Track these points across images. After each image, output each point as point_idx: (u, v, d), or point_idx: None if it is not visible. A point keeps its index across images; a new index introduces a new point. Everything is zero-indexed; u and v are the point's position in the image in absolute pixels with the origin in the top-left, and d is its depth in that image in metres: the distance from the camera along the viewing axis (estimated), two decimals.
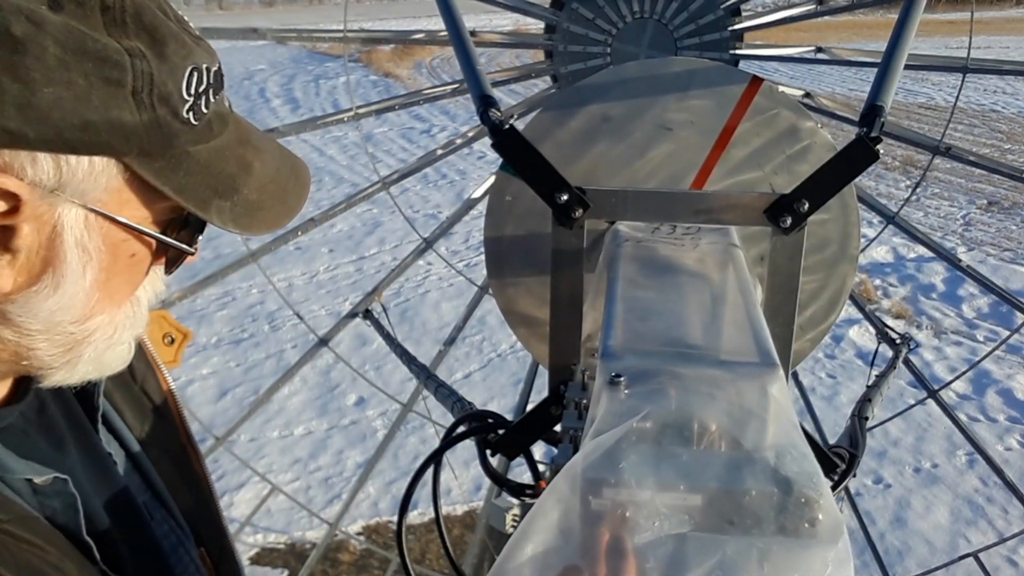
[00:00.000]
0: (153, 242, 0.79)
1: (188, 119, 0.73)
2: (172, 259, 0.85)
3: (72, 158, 0.68)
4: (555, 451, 1.29)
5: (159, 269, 0.85)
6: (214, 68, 0.76)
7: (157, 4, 0.72)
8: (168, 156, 0.73)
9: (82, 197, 0.71)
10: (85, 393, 0.92)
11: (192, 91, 0.72)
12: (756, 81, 1.64)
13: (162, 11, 0.72)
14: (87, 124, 0.66)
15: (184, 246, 0.82)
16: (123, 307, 0.81)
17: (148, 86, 0.69)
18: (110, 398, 0.98)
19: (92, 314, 0.77)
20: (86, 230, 0.73)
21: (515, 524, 1.65)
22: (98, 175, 0.70)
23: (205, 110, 0.74)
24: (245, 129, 0.83)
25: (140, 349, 1.04)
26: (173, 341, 1.19)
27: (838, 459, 1.54)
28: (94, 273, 0.75)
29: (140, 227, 0.76)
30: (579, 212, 1.32)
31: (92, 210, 0.72)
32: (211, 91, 0.75)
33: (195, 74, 0.73)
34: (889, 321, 5.21)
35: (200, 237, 0.84)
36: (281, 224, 0.85)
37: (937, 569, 4.43)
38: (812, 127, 1.64)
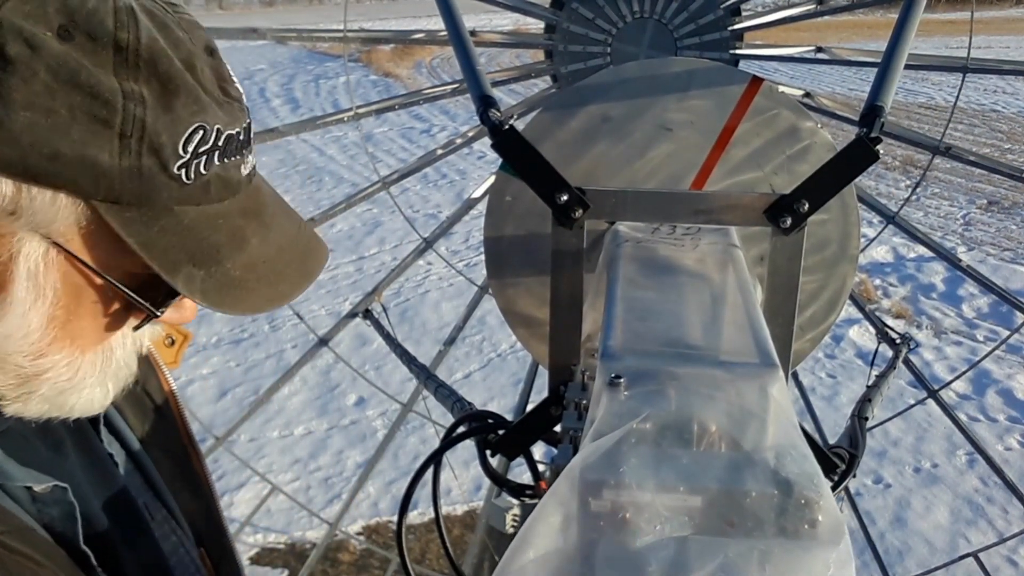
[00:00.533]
0: (120, 294, 0.75)
1: (179, 176, 0.69)
2: (147, 316, 0.79)
3: (34, 187, 0.65)
4: (555, 451, 1.29)
5: (134, 324, 0.80)
6: (230, 131, 0.72)
7: (185, 57, 0.69)
8: (144, 208, 0.69)
9: (44, 227, 0.68)
10: None
11: (192, 149, 0.69)
12: (756, 81, 1.64)
13: (188, 65, 0.69)
14: (57, 155, 0.64)
15: (146, 304, 0.76)
16: (87, 353, 0.77)
17: (139, 132, 0.66)
18: None
19: (47, 352, 0.74)
20: (43, 263, 0.70)
21: (515, 524, 1.65)
22: (61, 209, 0.67)
23: (204, 171, 0.71)
24: (258, 203, 0.78)
25: None
26: (174, 342, 1.18)
27: (838, 459, 1.54)
28: (47, 309, 0.72)
29: (99, 271, 0.72)
30: (579, 212, 1.32)
31: (54, 243, 0.69)
32: (217, 153, 0.72)
33: (200, 132, 0.69)
34: (889, 321, 5.20)
35: (172, 302, 0.78)
36: (262, 310, 0.78)
37: (937, 569, 4.43)
38: (812, 127, 1.64)
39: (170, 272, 0.72)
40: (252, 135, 0.78)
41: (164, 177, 0.69)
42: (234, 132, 0.73)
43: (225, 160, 0.73)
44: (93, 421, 0.92)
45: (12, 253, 0.69)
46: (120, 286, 0.74)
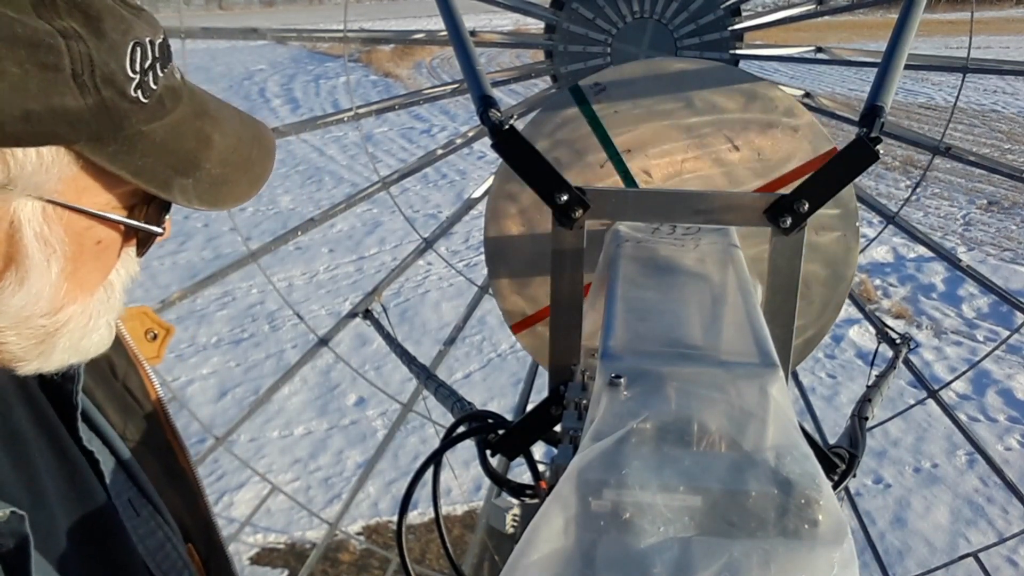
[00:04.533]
0: (120, 226, 0.77)
1: (137, 97, 0.70)
2: (143, 240, 0.83)
3: (19, 151, 0.66)
4: (555, 451, 1.29)
5: (131, 251, 0.83)
6: (158, 40, 0.73)
7: None
8: (121, 139, 0.70)
9: (36, 190, 0.69)
10: (62, 392, 0.90)
11: (137, 68, 0.69)
12: (832, 152, 1.64)
13: None
14: (28, 114, 0.63)
15: (151, 227, 0.79)
16: (96, 294, 0.79)
17: (89, 68, 0.66)
18: (91, 395, 0.97)
19: (63, 305, 0.76)
20: (45, 222, 0.71)
21: (515, 524, 1.65)
22: (49, 166, 0.68)
23: (154, 86, 0.72)
24: (200, 100, 0.79)
25: (121, 346, 1.03)
26: (156, 337, 1.18)
27: (838, 459, 1.54)
28: (59, 265, 0.73)
29: (102, 213, 0.74)
30: (579, 212, 1.32)
31: (49, 201, 0.70)
32: (158, 65, 0.72)
33: (138, 49, 0.69)
34: (889, 321, 5.20)
35: (168, 215, 0.81)
36: (249, 196, 0.82)
37: (937, 569, 4.43)
38: (855, 209, 1.67)
39: (164, 189, 0.74)
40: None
41: (126, 103, 0.69)
42: (159, 40, 0.73)
43: (165, 70, 0.74)
44: (68, 419, 0.91)
45: (14, 222, 0.69)
46: (125, 219, 0.76)
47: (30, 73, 0.63)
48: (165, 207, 0.80)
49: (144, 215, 0.78)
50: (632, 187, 1.65)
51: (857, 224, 1.68)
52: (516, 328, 1.76)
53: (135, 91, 0.69)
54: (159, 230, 0.80)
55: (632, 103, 1.65)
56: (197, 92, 0.80)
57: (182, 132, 0.75)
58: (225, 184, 0.79)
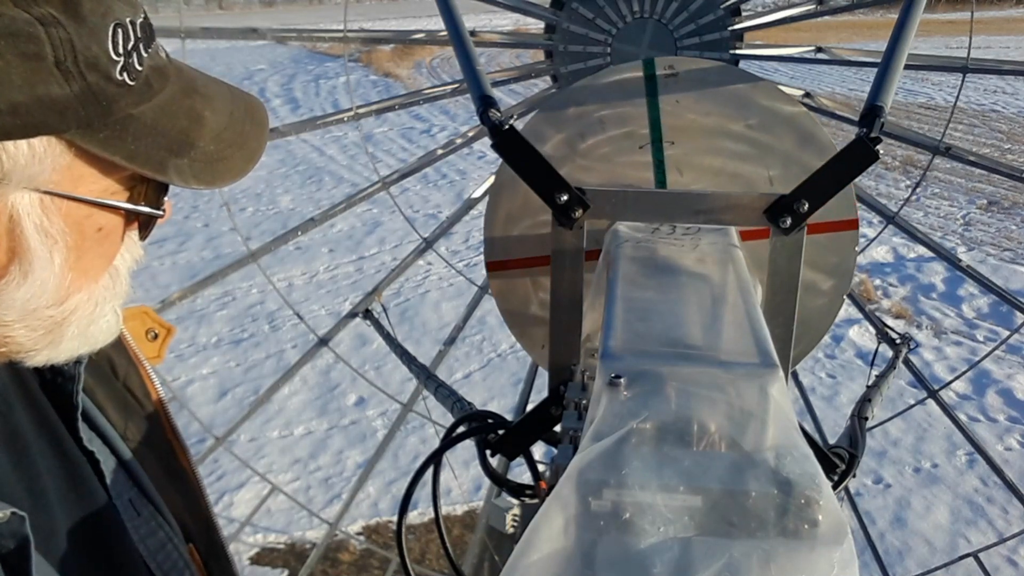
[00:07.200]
0: (120, 211, 0.77)
1: (123, 80, 0.69)
2: (145, 223, 0.82)
3: (10, 145, 0.65)
4: (555, 451, 1.29)
5: (134, 235, 0.83)
6: (139, 20, 0.71)
7: None
8: (111, 123, 0.69)
9: (31, 182, 0.68)
10: (63, 392, 0.90)
11: (121, 50, 0.68)
12: (853, 223, 1.64)
13: None
14: (15, 107, 0.62)
15: (151, 210, 0.79)
16: (101, 280, 0.79)
17: (71, 54, 0.64)
18: (91, 395, 0.96)
19: (69, 294, 0.76)
20: (44, 214, 0.71)
21: (515, 524, 1.65)
22: (42, 157, 0.67)
23: (139, 67, 0.70)
24: (189, 77, 0.78)
25: (122, 346, 1.02)
26: (156, 336, 1.18)
27: (838, 459, 1.54)
28: (62, 255, 0.73)
29: (99, 199, 0.74)
30: (579, 212, 1.32)
31: (46, 192, 0.70)
32: (141, 45, 0.71)
33: (120, 31, 0.68)
34: (889, 321, 5.19)
35: (166, 196, 0.81)
36: (245, 172, 0.81)
37: (937, 569, 4.42)
38: (849, 281, 1.69)
39: (160, 171, 0.74)
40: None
41: (113, 87, 0.68)
42: (140, 20, 0.72)
43: (149, 50, 0.73)
44: (69, 419, 0.91)
45: (13, 216, 0.69)
46: (123, 204, 0.76)
47: (12, 64, 0.62)
48: (163, 188, 0.80)
49: (143, 197, 0.78)
50: (661, 177, 1.64)
51: (843, 297, 1.69)
52: (491, 267, 1.74)
53: (121, 74, 0.68)
54: (159, 212, 0.80)
55: (696, 99, 1.62)
56: (185, 70, 0.79)
57: (172, 112, 0.74)
58: (221, 161, 0.78)
